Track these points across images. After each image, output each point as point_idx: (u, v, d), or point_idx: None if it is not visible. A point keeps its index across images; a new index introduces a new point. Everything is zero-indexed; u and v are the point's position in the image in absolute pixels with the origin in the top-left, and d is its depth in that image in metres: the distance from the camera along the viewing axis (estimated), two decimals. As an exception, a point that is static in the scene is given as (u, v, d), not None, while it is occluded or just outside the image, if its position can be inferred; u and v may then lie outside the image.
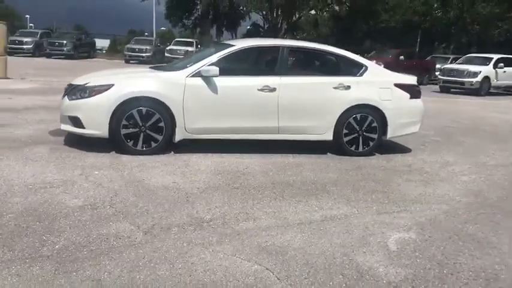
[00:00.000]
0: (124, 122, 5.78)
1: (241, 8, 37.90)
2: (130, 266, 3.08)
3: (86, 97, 5.81)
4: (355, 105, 6.48)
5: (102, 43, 49.61)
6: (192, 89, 5.95)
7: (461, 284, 3.14)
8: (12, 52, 31.13)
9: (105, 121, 5.73)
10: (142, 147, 5.90)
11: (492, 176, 6.06)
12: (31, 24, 58.33)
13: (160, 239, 3.53)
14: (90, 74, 6.62)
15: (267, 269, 3.17)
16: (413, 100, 6.85)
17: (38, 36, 34.02)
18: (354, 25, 39.85)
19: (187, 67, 6.15)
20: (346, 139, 6.54)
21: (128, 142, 5.85)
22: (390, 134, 6.72)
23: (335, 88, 6.42)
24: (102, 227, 3.66)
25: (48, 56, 31.72)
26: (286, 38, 41.83)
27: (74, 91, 5.97)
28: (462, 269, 3.36)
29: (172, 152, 6.14)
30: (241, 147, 6.36)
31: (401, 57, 26.40)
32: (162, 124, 5.89)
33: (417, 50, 37.64)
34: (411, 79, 7.04)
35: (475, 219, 4.40)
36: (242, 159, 6.06)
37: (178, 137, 6.02)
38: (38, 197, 4.22)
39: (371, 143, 6.64)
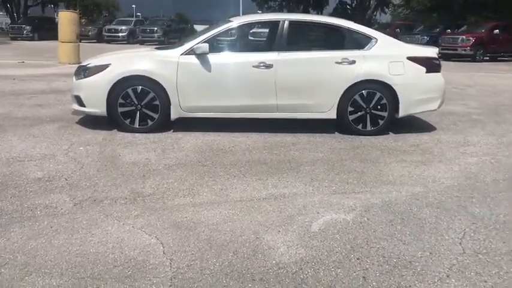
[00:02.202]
0: (120, 101, 5.98)
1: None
2: (32, 234, 3.22)
3: (86, 77, 6.08)
4: (361, 80, 6.09)
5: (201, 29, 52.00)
6: (185, 67, 5.97)
7: (359, 269, 2.87)
8: (109, 40, 33.58)
9: (103, 99, 5.97)
10: (139, 125, 6.06)
11: (509, 157, 5.40)
12: (138, 14, 61.93)
13: (83, 211, 3.63)
14: (102, 54, 6.90)
15: (161, 243, 3.13)
16: (431, 74, 6.27)
17: (132, 24, 36.07)
18: (449, -2, 37.09)
19: (183, 45, 6.18)
20: (351, 117, 6.19)
21: (125, 120, 6.05)
22: (403, 112, 6.23)
23: (338, 63, 6.07)
24: (40, 198, 3.85)
25: (141, 42, 33.25)
26: (375, 15, 40.22)
27: (79, 71, 6.28)
28: (375, 254, 3.06)
29: (172, 130, 6.25)
30: (250, 125, 6.32)
31: (496, 30, 24.23)
32: (157, 102, 6.00)
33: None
34: (429, 51, 6.44)
35: (441, 203, 3.96)
36: (237, 137, 5.99)
37: (173, 115, 6.09)
38: (9, 169, 4.53)
39: (381, 122, 6.22)
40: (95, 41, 33.51)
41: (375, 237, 3.30)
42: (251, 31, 26.62)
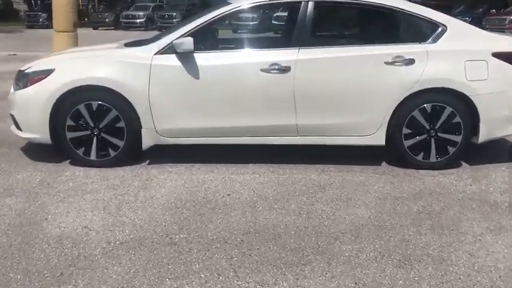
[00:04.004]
0: (69, 122, 4.12)
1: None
2: None
3: (24, 87, 4.24)
4: (423, 89, 4.07)
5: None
6: (161, 72, 4.06)
7: None
8: (126, 26, 31.92)
9: (44, 121, 4.12)
10: (98, 156, 4.20)
11: None
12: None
13: None
14: (56, 53, 5.03)
15: None
16: (528, 79, 4.19)
17: (150, 9, 34.33)
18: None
19: (159, 39, 4.24)
20: (408, 143, 4.18)
21: (77, 150, 4.19)
22: (485, 135, 4.18)
23: (388, 63, 4.05)
24: None
25: (159, 28, 31.44)
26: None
27: (18, 78, 4.43)
28: None
29: (147, 161, 4.38)
30: (257, 155, 4.44)
31: (555, 11, 21.56)
32: (121, 124, 4.12)
33: None
34: (526, 44, 4.34)
35: None
36: (238, 175, 4.07)
37: (146, 142, 4.20)
38: None
39: (451, 149, 4.19)
40: (112, 28, 31.95)
41: None
42: (274, 15, 22.71)
